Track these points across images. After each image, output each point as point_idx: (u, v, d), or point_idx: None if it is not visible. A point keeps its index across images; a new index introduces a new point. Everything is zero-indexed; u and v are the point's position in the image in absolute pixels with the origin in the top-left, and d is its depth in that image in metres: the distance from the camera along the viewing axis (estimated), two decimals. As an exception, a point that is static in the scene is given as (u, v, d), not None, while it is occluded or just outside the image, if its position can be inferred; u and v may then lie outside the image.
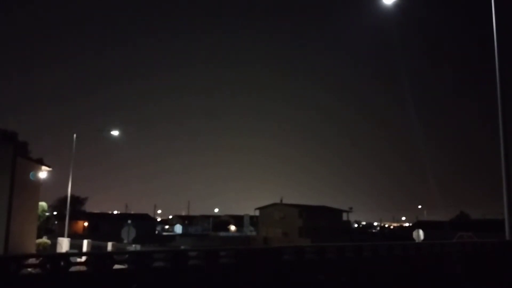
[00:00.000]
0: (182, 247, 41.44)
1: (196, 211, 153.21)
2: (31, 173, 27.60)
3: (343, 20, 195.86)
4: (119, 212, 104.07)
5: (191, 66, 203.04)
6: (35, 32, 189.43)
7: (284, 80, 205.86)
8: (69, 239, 32.63)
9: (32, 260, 8.54)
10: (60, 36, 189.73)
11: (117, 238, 30.11)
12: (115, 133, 35.18)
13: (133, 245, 26.72)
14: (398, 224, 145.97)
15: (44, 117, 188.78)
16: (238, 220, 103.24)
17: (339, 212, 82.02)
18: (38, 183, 29.25)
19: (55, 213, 77.51)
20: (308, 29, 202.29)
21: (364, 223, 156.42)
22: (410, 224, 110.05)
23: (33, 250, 27.46)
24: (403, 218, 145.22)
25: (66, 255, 10.62)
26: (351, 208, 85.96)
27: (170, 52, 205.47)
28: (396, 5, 15.36)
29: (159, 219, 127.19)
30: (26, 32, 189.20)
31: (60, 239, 33.37)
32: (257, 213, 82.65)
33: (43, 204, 35.29)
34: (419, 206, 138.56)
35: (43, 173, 29.72)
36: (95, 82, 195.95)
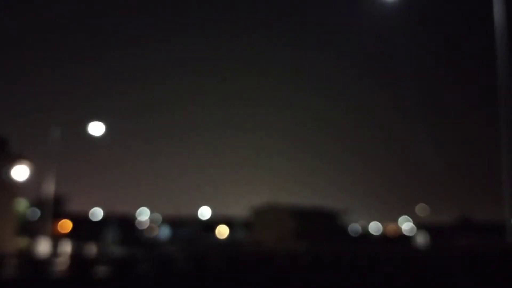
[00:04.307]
0: (169, 249, 41.40)
1: (185, 212, 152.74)
2: (11, 170, 27.37)
3: (340, 17, 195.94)
4: (103, 212, 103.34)
5: (186, 65, 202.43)
6: (33, 33, 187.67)
7: (277, 75, 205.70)
8: (49, 239, 32.41)
9: (9, 261, 8.48)
10: (60, 37, 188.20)
11: (99, 239, 30.01)
12: (99, 132, 34.91)
13: (115, 247, 26.65)
14: (397, 227, 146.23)
15: (33, 121, 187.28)
16: (229, 222, 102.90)
17: (335, 214, 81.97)
18: (17, 180, 28.96)
19: (36, 211, 77.05)
20: (301, 28, 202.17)
21: (361, 226, 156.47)
22: (411, 227, 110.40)
23: (10, 250, 27.26)
24: (402, 220, 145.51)
25: (46, 259, 10.56)
26: (347, 210, 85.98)
27: (165, 53, 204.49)
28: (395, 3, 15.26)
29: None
30: (24, 32, 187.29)
31: (39, 238, 33.14)
32: (249, 215, 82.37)
33: (23, 202, 35.04)
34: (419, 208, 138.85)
35: (23, 169, 29.44)
36: (94, 82, 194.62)
